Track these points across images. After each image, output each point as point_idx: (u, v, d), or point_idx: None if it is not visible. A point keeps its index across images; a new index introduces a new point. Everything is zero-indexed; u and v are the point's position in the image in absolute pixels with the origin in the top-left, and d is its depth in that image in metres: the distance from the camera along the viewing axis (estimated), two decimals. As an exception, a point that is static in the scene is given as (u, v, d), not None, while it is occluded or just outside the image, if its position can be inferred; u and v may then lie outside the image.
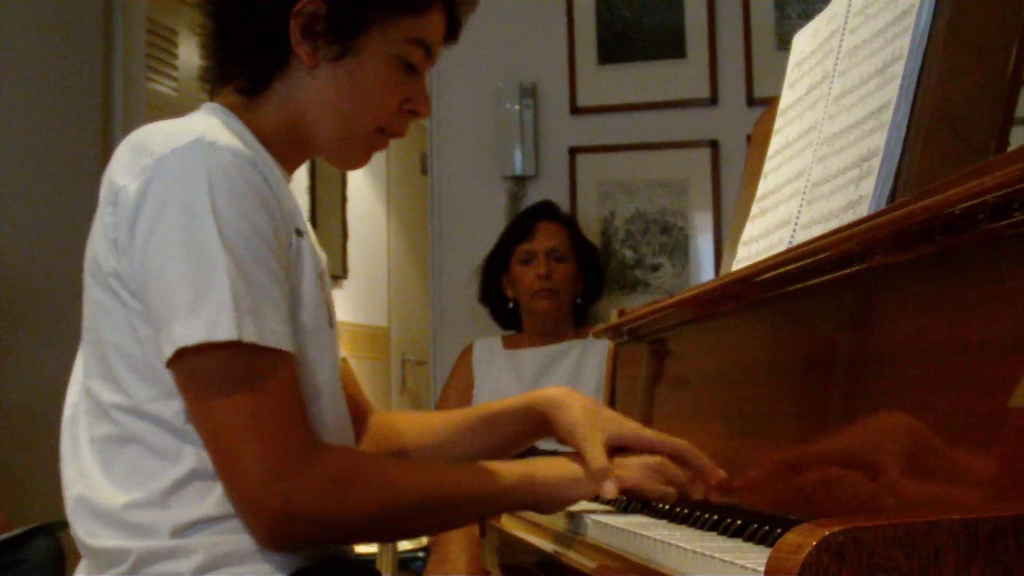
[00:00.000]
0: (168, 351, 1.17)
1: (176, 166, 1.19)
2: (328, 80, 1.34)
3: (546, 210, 3.09)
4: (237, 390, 1.16)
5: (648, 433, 1.45)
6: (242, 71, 1.35)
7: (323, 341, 1.31)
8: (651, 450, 1.42)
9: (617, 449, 1.43)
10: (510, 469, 1.33)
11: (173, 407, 1.21)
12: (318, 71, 1.34)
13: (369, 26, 1.33)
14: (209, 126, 1.24)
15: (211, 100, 1.39)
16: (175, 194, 1.18)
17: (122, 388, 1.23)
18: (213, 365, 1.16)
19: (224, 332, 1.15)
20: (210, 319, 1.15)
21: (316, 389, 1.29)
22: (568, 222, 3.10)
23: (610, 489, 1.34)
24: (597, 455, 1.36)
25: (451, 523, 1.34)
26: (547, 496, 1.33)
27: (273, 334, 1.18)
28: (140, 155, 1.22)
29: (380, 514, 1.22)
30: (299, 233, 1.28)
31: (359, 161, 1.44)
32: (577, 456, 1.40)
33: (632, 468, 1.41)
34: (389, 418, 1.62)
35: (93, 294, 1.27)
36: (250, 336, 1.16)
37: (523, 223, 3.06)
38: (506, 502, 1.34)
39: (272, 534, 1.18)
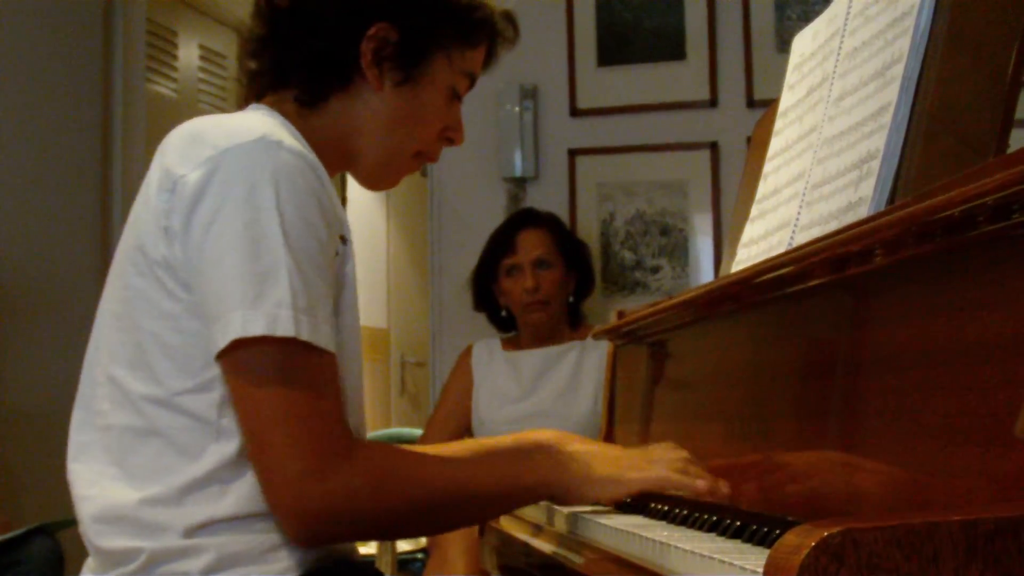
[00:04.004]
0: (223, 341, 1.17)
1: (241, 160, 1.20)
2: (388, 103, 1.39)
3: (525, 218, 3.04)
4: (286, 385, 1.17)
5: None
6: (302, 83, 1.37)
7: (357, 348, 1.33)
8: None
9: None
10: (540, 461, 1.36)
11: (207, 400, 1.21)
12: (381, 94, 1.38)
13: (435, 55, 1.39)
14: (271, 126, 1.25)
15: (256, 102, 1.40)
16: (239, 187, 1.19)
17: (156, 378, 1.23)
18: (267, 359, 1.17)
19: (284, 328, 1.16)
20: (270, 313, 1.16)
21: (345, 392, 1.29)
22: (549, 224, 3.03)
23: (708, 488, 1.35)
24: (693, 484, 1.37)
25: (483, 516, 1.39)
26: (569, 493, 1.35)
27: (325, 336, 1.20)
28: (199, 146, 1.22)
29: (414, 512, 1.24)
30: (344, 240, 1.30)
31: (391, 183, 1.49)
32: (599, 451, 1.41)
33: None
34: None
35: (133, 281, 1.26)
36: (306, 335, 1.17)
37: (503, 236, 3.02)
38: (533, 496, 1.36)
39: (306, 532, 1.19)
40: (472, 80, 1.46)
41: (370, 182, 1.48)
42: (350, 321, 1.30)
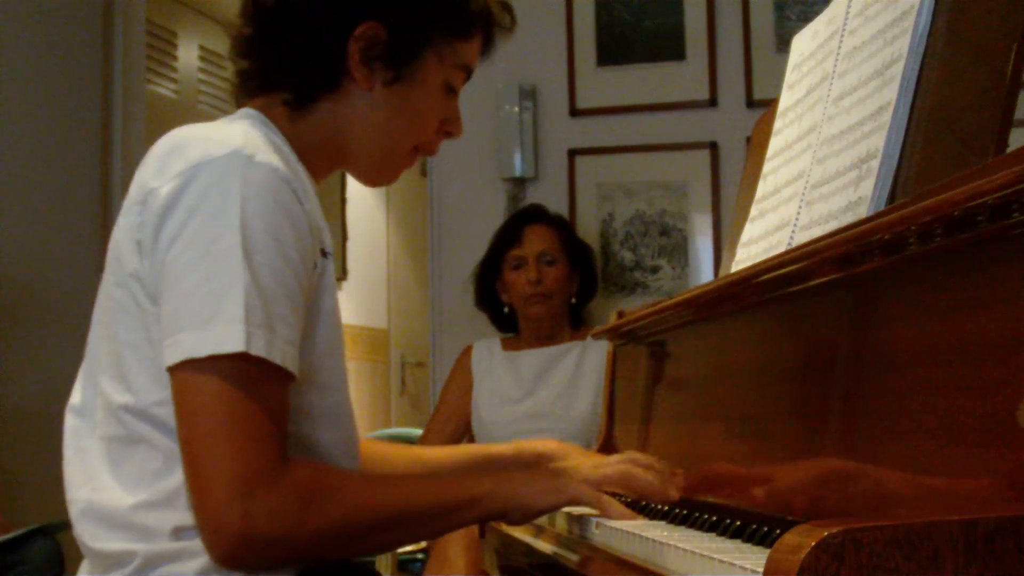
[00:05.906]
0: (171, 359, 1.16)
1: (211, 176, 1.18)
2: (380, 103, 1.36)
3: (533, 213, 3.08)
4: (223, 404, 1.14)
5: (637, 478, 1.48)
6: (290, 84, 1.34)
7: (337, 363, 1.31)
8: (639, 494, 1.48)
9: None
10: (476, 480, 1.32)
11: None
12: (371, 93, 1.35)
13: (426, 52, 1.36)
14: (249, 137, 1.23)
15: (245, 103, 1.38)
16: (205, 204, 1.17)
17: (132, 389, 1.23)
18: (211, 376, 1.15)
19: (233, 343, 1.14)
20: (221, 332, 1.14)
21: (324, 409, 1.29)
22: (557, 223, 3.08)
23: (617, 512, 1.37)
24: (614, 505, 1.38)
25: (417, 536, 1.32)
26: (513, 507, 1.32)
27: (280, 352, 1.17)
28: (175, 159, 1.21)
29: (342, 533, 1.20)
30: (324, 254, 1.29)
31: (390, 179, 1.46)
32: (546, 469, 1.41)
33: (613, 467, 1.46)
34: (376, 448, 1.62)
35: (112, 292, 1.26)
36: (258, 349, 1.15)
37: (511, 229, 3.05)
38: (472, 513, 1.31)
39: (228, 553, 1.15)
40: (468, 72, 1.42)
41: (367, 179, 1.46)
42: (329, 336, 1.28)
